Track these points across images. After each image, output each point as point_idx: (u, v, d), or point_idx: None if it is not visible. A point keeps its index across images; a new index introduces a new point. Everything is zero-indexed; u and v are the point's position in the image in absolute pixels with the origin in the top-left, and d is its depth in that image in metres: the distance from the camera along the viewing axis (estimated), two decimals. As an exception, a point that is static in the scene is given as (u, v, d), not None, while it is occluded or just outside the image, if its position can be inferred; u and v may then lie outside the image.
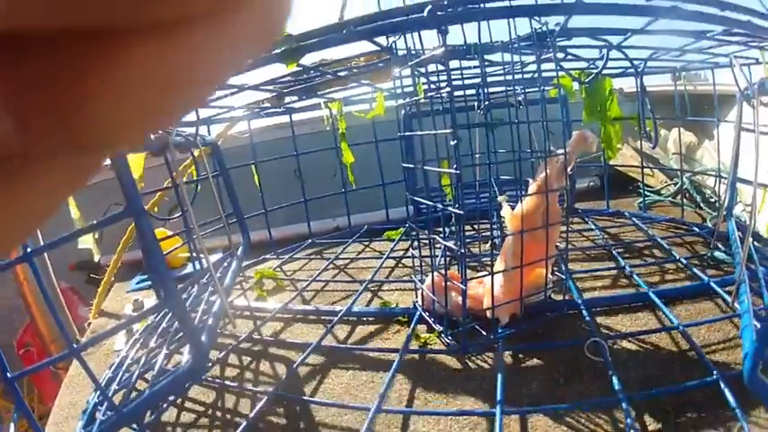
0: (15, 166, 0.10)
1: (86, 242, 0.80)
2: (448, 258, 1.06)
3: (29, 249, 0.50)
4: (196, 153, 0.98)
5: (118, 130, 0.09)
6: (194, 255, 0.92)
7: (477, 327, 0.84)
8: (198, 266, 0.92)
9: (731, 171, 0.64)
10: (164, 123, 0.10)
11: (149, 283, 1.40)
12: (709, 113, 1.38)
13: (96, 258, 0.89)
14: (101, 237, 1.18)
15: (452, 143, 0.75)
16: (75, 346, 0.47)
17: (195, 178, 1.07)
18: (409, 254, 1.22)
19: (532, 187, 0.85)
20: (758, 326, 0.54)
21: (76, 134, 0.09)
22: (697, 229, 1.30)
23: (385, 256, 1.30)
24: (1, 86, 0.09)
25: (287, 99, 1.39)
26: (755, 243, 0.89)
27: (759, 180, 0.62)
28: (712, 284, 0.92)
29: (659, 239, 1.22)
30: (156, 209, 1.28)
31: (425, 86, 0.92)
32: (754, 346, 0.49)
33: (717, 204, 1.47)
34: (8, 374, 0.45)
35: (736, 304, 0.59)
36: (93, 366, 0.50)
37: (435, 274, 0.88)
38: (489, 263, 0.87)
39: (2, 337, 1.84)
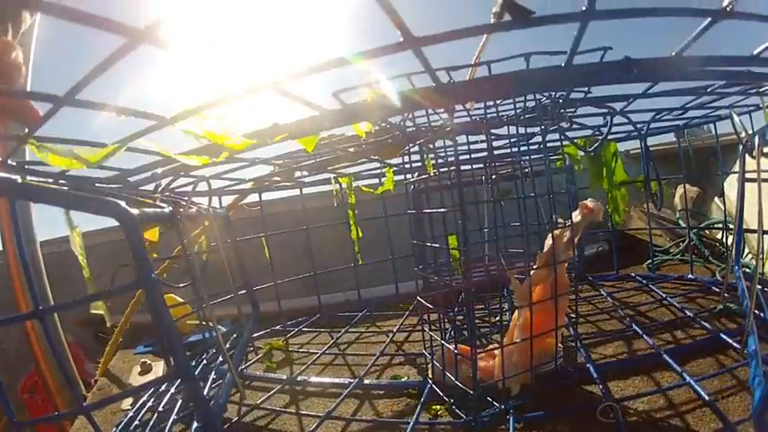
0: None
1: (98, 308, 0.81)
2: (457, 332, 1.05)
3: (40, 307, 0.50)
4: (207, 224, 0.99)
5: None
6: (203, 323, 0.92)
7: (488, 398, 0.82)
8: (207, 335, 0.92)
9: (737, 222, 0.65)
10: None
11: (156, 347, 1.40)
12: (715, 166, 1.40)
13: (108, 324, 0.89)
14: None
15: (459, 222, 0.76)
16: (84, 404, 0.46)
17: (205, 248, 1.08)
18: (419, 328, 1.21)
19: (540, 260, 0.86)
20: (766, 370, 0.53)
21: None
22: (706, 284, 1.29)
23: (395, 331, 1.28)
24: None
25: (297, 173, 1.41)
26: (765, 289, 0.88)
27: (763, 227, 0.63)
28: (722, 336, 0.92)
29: (669, 298, 1.21)
30: (165, 275, 1.29)
31: (433, 162, 0.95)
32: (761, 390, 0.48)
33: (725, 256, 1.47)
34: (15, 420, 0.45)
35: (745, 351, 0.58)
36: (99, 422, 0.50)
37: (445, 347, 0.88)
38: (498, 335, 0.87)
39: (6, 379, 1.83)
